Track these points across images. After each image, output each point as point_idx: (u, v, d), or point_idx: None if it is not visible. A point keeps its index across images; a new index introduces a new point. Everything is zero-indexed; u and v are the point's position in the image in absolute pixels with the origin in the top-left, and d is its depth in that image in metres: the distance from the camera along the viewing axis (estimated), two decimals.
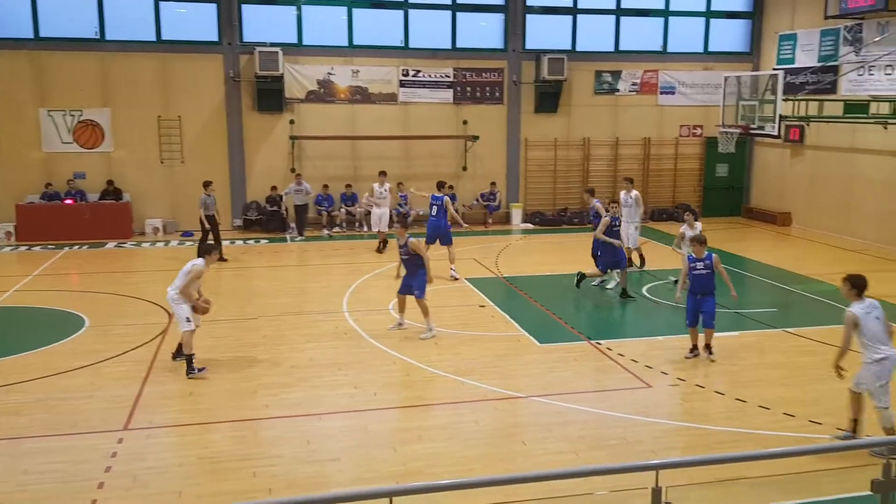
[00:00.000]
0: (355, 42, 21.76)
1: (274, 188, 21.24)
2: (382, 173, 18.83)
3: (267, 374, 10.33)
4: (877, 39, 18.74)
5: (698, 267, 10.75)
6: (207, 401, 9.49)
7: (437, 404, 9.59)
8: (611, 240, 14.05)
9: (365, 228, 21.41)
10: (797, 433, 8.38)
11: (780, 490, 7.15)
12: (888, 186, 19.07)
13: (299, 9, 21.33)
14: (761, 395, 9.57)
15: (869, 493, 5.23)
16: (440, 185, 16.36)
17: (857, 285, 8.00)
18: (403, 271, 12.03)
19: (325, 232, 21.16)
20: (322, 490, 7.15)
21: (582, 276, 14.68)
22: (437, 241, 15.75)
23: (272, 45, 20.69)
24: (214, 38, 21.00)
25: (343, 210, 21.65)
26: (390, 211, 19.21)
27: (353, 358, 10.99)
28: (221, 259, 16.88)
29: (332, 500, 5.11)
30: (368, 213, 21.45)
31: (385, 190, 18.55)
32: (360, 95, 21.87)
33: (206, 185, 17.44)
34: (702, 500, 6.85)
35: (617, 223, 14.28)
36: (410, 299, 11.93)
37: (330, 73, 21.62)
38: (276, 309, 13.40)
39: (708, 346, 10.89)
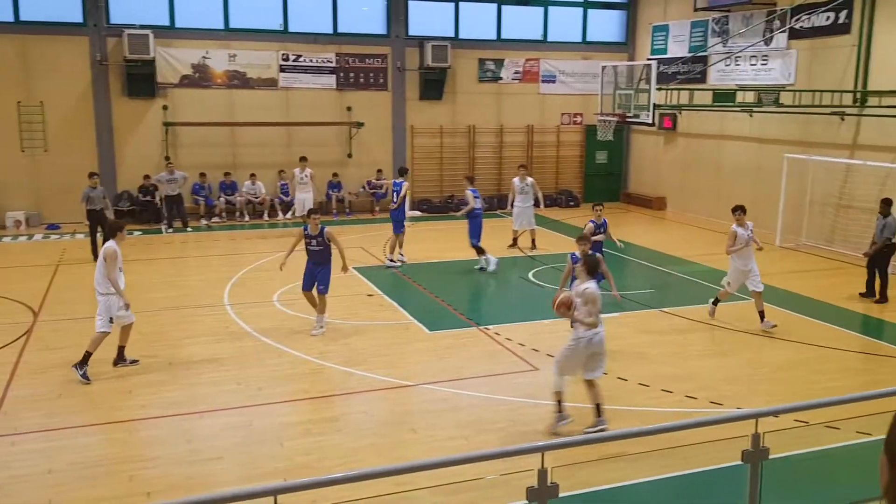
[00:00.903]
0: (232, 25, 21.03)
1: (147, 177, 20.28)
2: (303, 159, 19.67)
3: (143, 373, 9.84)
4: (742, 31, 19.75)
5: None
6: (79, 403, 8.96)
7: (325, 396, 9.42)
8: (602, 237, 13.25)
9: (246, 218, 20.96)
10: (675, 408, 8.73)
11: (658, 464, 7.43)
12: (754, 172, 20.17)
13: None
14: (641, 373, 9.92)
15: (740, 462, 5.52)
16: (402, 171, 16.18)
17: (592, 266, 8.47)
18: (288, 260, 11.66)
19: (204, 222, 20.43)
20: (204, 491, 6.85)
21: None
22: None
23: (142, 27, 19.65)
24: (79, 19, 19.77)
25: (222, 199, 20.96)
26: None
27: (236, 353, 10.63)
28: (94, 252, 15.97)
29: (214, 502, 4.91)
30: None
31: (306, 175, 19.36)
32: (238, 80, 21.16)
33: (90, 176, 16.38)
34: (586, 478, 7.01)
35: (601, 231, 13.33)
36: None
37: (205, 57, 20.80)
38: (152, 304, 12.76)
39: None
